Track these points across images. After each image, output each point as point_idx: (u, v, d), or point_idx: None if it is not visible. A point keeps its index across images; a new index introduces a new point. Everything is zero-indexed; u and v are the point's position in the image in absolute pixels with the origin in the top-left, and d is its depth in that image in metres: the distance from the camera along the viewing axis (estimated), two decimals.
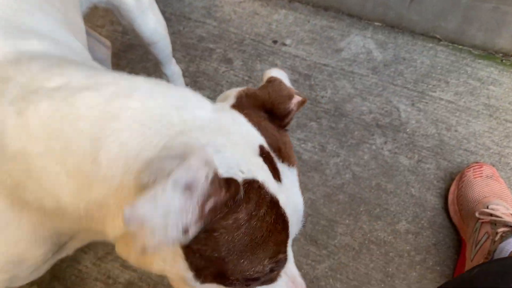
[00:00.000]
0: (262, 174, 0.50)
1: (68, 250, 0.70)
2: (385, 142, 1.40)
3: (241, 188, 0.46)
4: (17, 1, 0.63)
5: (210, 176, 0.41)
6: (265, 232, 0.48)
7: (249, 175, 0.48)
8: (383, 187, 1.31)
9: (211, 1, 1.76)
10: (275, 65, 1.58)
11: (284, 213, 0.51)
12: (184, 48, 1.63)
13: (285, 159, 0.55)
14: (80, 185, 0.48)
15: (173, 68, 1.36)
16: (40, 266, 0.67)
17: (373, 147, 1.39)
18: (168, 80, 1.34)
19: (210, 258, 0.48)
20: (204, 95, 1.47)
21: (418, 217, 1.26)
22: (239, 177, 0.47)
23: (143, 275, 1.17)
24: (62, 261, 1.19)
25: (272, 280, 0.55)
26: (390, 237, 1.23)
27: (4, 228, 0.57)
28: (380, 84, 1.53)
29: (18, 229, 0.57)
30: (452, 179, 1.30)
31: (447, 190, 1.29)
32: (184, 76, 1.49)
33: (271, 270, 0.51)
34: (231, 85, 1.54)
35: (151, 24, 1.14)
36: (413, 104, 1.48)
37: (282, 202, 0.51)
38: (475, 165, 1.24)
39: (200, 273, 0.50)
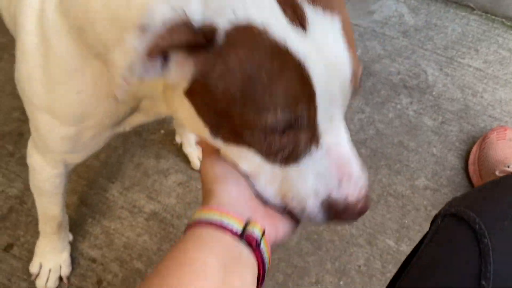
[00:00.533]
0: (266, 17, 0.43)
1: (126, 126, 0.72)
2: (411, 103, 1.41)
3: (220, 33, 0.43)
4: None
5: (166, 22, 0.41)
6: (267, 79, 0.44)
7: (241, 19, 0.43)
8: (405, 145, 1.33)
9: None
10: None
11: (300, 62, 0.44)
12: None
13: (318, 2, 0.45)
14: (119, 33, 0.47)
15: None
16: (98, 135, 0.70)
17: (398, 106, 1.41)
18: None
19: (216, 112, 0.48)
20: None
21: (438, 175, 1.28)
22: (226, 21, 0.43)
23: (168, 206, 1.22)
24: (90, 187, 1.25)
25: (297, 144, 0.48)
26: (408, 192, 1.26)
27: (71, 75, 0.61)
28: (409, 47, 1.54)
29: (82, 78, 0.60)
30: (474, 142, 1.31)
31: (468, 152, 1.31)
32: None
33: (290, 126, 0.46)
34: None
35: None
36: (441, 69, 1.48)
37: (302, 51, 0.44)
38: (500, 128, 1.26)
39: (215, 130, 0.50)
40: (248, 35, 0.43)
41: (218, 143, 0.51)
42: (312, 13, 0.45)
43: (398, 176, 1.28)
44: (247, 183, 0.52)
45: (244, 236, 0.47)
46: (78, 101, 0.64)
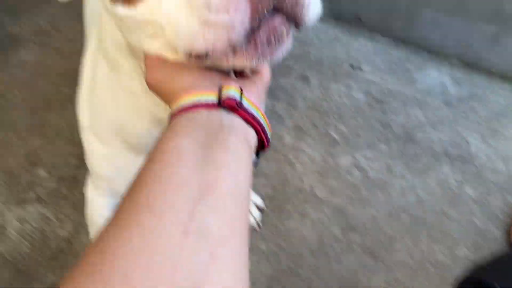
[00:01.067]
0: None
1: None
2: (453, 172, 1.42)
3: None
4: None
5: None
6: None
7: None
8: (446, 213, 1.33)
9: None
10: (350, 87, 1.65)
11: None
12: None
13: None
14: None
15: None
16: (143, 137, 0.72)
17: (440, 175, 1.41)
18: None
19: None
20: (279, 107, 1.56)
21: (479, 246, 1.26)
22: None
23: None
24: None
25: None
26: (448, 261, 1.24)
27: (113, 93, 0.66)
28: (452, 117, 1.56)
29: (123, 96, 0.65)
30: None
31: (510, 224, 1.28)
32: None
33: None
34: (306, 100, 1.62)
35: None
36: (484, 140, 1.49)
37: None
38: None
39: None
40: None
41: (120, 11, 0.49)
42: None
43: (439, 244, 1.27)
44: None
45: (221, 103, 0.43)
46: (118, 119, 0.68)
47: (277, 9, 0.42)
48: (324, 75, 1.70)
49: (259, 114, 0.45)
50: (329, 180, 1.40)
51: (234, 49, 0.42)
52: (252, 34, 0.42)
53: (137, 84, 0.63)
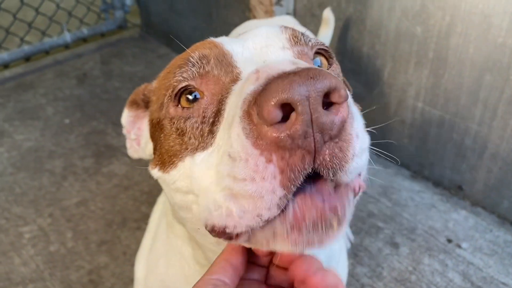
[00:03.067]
0: None
1: None
2: None
3: None
4: None
5: None
6: None
7: None
8: None
9: (389, 182, 1.77)
10: (446, 266, 1.46)
11: None
12: (352, 218, 1.62)
13: None
14: None
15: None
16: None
17: None
18: None
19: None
20: (360, 272, 1.41)
21: None
22: None
23: None
24: None
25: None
26: None
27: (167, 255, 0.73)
28: None
29: (173, 254, 0.71)
30: None
31: None
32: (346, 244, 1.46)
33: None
34: (392, 270, 1.44)
35: None
36: None
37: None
38: None
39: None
40: None
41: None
42: None
43: None
44: None
45: None
46: (167, 279, 0.71)
47: (317, 174, 0.36)
48: (416, 245, 1.53)
49: None
50: None
51: (271, 228, 0.38)
52: (290, 211, 0.37)
53: (189, 250, 0.64)
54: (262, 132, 0.36)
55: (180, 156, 0.49)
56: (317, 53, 0.52)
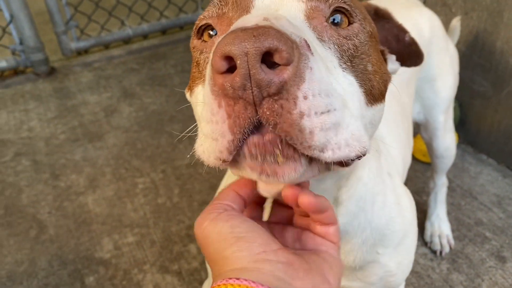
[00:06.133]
0: None
1: None
2: None
3: None
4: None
5: None
6: None
7: None
8: None
9: (507, 192, 1.62)
10: None
11: None
12: (457, 223, 1.52)
13: None
14: None
15: (443, 180, 1.49)
16: None
17: None
18: (433, 188, 1.50)
19: None
20: (456, 279, 1.31)
21: None
22: None
23: None
24: None
25: None
26: None
27: None
28: None
29: None
30: None
31: None
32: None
33: None
34: (493, 284, 1.33)
35: (447, 143, 1.31)
36: None
37: None
38: None
39: None
40: None
41: None
42: None
43: None
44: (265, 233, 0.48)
45: None
46: None
47: (264, 126, 0.41)
48: None
49: None
50: None
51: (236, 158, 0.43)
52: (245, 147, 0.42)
53: None
54: (214, 79, 0.41)
55: (196, 82, 0.56)
56: (337, 10, 0.51)
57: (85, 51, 2.80)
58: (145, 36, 2.90)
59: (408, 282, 1.35)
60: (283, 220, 0.57)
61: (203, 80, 0.53)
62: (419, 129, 1.33)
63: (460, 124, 1.81)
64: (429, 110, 1.20)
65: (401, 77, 0.99)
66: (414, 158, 1.77)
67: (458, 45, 1.59)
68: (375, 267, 0.74)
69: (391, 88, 0.62)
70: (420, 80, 1.13)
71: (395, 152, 0.84)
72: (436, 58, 1.14)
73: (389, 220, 0.71)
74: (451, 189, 1.62)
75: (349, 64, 0.49)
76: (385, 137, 0.81)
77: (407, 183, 1.69)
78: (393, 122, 0.89)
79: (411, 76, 1.05)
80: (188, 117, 2.11)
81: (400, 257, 0.75)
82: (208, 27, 0.54)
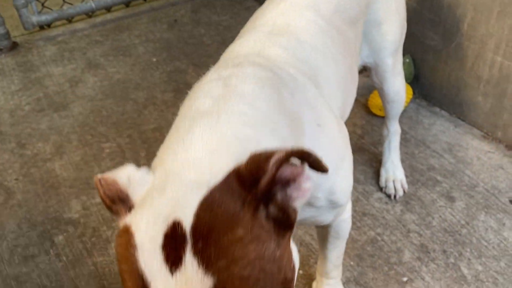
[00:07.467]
0: (145, 241, 0.50)
1: None
2: None
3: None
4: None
5: None
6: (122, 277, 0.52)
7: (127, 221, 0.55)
8: None
9: (457, 140, 1.71)
10: (503, 224, 1.40)
11: None
12: (410, 170, 1.60)
13: (201, 254, 0.47)
14: None
15: (395, 127, 1.53)
16: None
17: None
18: (387, 135, 1.54)
19: None
20: (409, 218, 1.40)
21: None
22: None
23: None
24: None
25: None
26: None
27: None
28: None
29: None
30: None
31: None
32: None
33: None
34: (443, 221, 1.42)
35: (397, 87, 1.37)
36: None
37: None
38: None
39: None
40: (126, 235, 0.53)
41: None
42: (189, 261, 0.47)
43: None
44: None
45: None
46: None
47: None
48: (474, 202, 1.48)
49: None
50: None
51: None
52: None
53: None
54: None
55: None
56: None
57: (48, 26, 2.77)
58: (108, 9, 2.88)
59: (364, 224, 1.43)
60: None
61: None
62: (371, 74, 1.36)
63: (415, 79, 1.89)
64: (377, 53, 1.25)
65: (348, 14, 1.04)
66: (371, 113, 1.85)
67: (409, 1, 1.65)
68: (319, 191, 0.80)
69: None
70: (367, 24, 1.17)
71: (333, 86, 0.89)
72: (382, 2, 1.18)
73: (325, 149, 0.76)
74: (405, 140, 1.71)
75: None
76: (321, 68, 0.86)
77: (365, 136, 1.77)
78: (332, 60, 0.93)
79: (357, 16, 1.09)
80: (152, 84, 2.14)
81: (339, 178, 0.82)
82: None
